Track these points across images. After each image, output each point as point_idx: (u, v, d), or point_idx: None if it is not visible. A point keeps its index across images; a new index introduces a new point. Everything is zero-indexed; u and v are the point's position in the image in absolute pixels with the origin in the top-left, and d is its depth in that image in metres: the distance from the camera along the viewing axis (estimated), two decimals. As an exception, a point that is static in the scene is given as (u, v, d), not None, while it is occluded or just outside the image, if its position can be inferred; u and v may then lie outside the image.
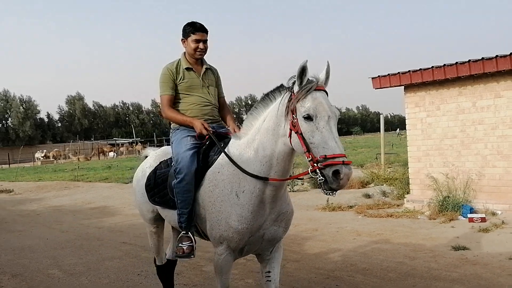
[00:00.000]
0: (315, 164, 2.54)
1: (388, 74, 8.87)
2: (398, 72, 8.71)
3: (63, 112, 76.68)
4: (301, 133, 2.62)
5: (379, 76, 8.94)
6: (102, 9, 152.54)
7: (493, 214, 7.59)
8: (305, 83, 2.68)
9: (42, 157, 47.33)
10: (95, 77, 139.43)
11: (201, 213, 3.23)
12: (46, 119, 74.42)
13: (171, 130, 3.65)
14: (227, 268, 3.19)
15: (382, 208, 9.08)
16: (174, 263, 4.41)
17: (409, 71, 8.52)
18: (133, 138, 61.24)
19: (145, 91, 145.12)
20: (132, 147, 53.91)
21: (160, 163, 3.71)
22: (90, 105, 78.66)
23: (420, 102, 8.73)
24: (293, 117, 2.67)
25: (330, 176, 2.48)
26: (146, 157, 4.20)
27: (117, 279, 5.39)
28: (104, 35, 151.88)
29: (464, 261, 5.34)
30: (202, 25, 3.54)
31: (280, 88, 2.91)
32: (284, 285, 4.69)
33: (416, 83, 8.55)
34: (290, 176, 3.03)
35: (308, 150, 2.58)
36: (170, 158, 3.59)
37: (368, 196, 10.51)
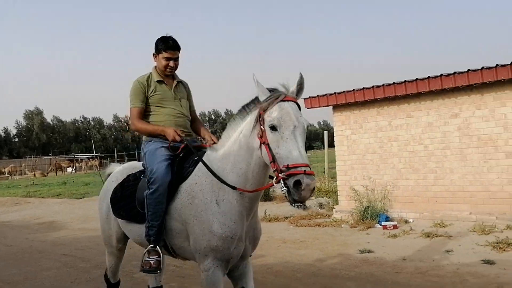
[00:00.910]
0: (280, 174, 2.49)
1: (318, 96, 9.70)
2: (326, 94, 9.56)
3: (20, 127, 74.82)
4: (268, 144, 2.60)
5: (310, 97, 9.76)
6: (66, 20, 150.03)
7: (406, 222, 8.45)
8: (272, 93, 2.70)
9: (-4, 173, 45.99)
10: (56, 91, 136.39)
11: (176, 228, 3.16)
12: (2, 134, 72.30)
13: (143, 142, 3.59)
14: (218, 284, 3.00)
15: (314, 219, 9.81)
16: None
17: (334, 92, 9.38)
18: (93, 153, 60.42)
19: (107, 105, 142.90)
20: (91, 162, 53.20)
21: (128, 176, 3.66)
22: (49, 119, 77.18)
23: (346, 120, 9.60)
24: (261, 128, 2.67)
25: (291, 186, 2.43)
26: (110, 174, 4.12)
27: (51, 286, 5.81)
28: (66, 48, 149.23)
29: (364, 262, 6.08)
30: (175, 43, 3.48)
31: (255, 100, 2.88)
32: None
33: (341, 103, 9.42)
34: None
35: (274, 160, 2.55)
36: (139, 171, 3.59)
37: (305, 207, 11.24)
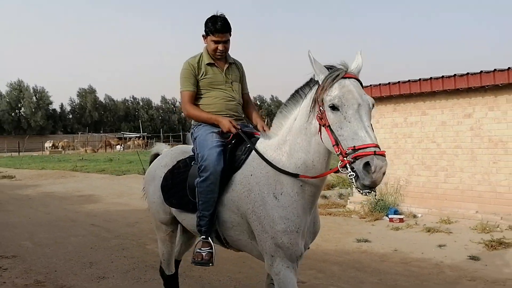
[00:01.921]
0: (345, 158, 2.28)
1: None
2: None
3: (74, 104, 78.81)
4: (329, 125, 2.39)
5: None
6: (119, 4, 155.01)
7: (414, 216, 8.68)
8: (331, 71, 2.48)
9: (50, 147, 49.08)
10: (109, 71, 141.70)
11: (231, 220, 2.97)
12: (58, 110, 76.51)
13: (192, 126, 3.45)
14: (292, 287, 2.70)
15: (329, 208, 10.20)
16: (177, 263, 4.15)
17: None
18: (141, 132, 62.88)
19: (156, 87, 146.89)
20: (138, 141, 55.46)
21: (178, 162, 3.46)
22: (102, 98, 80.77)
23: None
24: (320, 109, 2.45)
25: (361, 170, 2.20)
26: (156, 154, 4.00)
27: (74, 251, 6.60)
28: (119, 31, 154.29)
29: (356, 250, 6.47)
30: (224, 24, 3.24)
31: (310, 83, 2.68)
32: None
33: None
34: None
35: (337, 143, 2.33)
36: (190, 157, 3.40)
37: (325, 197, 11.62)
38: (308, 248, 3.07)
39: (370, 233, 7.55)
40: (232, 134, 3.14)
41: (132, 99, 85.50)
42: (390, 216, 8.51)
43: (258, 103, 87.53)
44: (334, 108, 2.37)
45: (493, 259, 5.81)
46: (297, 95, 2.77)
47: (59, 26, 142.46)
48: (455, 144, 8.31)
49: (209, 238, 3.05)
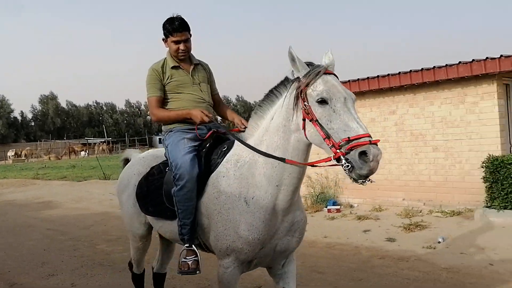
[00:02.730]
0: (338, 150, 2.28)
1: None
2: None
3: (36, 111, 77.17)
4: (317, 120, 2.39)
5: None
6: (83, 5, 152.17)
7: (351, 206, 9.48)
8: (313, 67, 2.51)
9: (13, 156, 48.11)
10: (69, 76, 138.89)
11: (204, 223, 2.94)
12: (19, 118, 74.76)
13: (163, 133, 3.38)
14: (234, 282, 2.86)
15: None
16: (163, 276, 4.18)
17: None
18: (105, 137, 62.27)
19: (120, 91, 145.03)
20: (102, 147, 55.06)
21: (152, 168, 3.39)
22: (64, 104, 79.40)
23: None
24: (305, 105, 2.44)
25: (357, 160, 2.20)
26: (127, 160, 3.96)
27: (28, 253, 7.01)
28: (79, 32, 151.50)
29: (290, 238, 7.15)
30: (181, 23, 3.20)
31: (285, 82, 2.69)
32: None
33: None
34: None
35: (328, 136, 2.33)
36: (163, 163, 3.32)
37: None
38: (294, 250, 2.98)
39: (307, 223, 8.25)
40: (208, 134, 3.12)
41: (95, 104, 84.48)
42: (328, 207, 9.27)
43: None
44: (322, 102, 2.38)
45: (407, 240, 6.60)
46: (272, 94, 2.74)
47: (16, 32, 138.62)
48: (383, 138, 9.13)
49: (193, 245, 2.99)
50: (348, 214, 8.81)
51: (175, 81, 3.30)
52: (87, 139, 62.72)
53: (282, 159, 2.62)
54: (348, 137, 2.25)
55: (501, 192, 6.71)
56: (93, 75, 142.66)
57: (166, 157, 3.26)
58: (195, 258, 2.98)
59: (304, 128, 2.49)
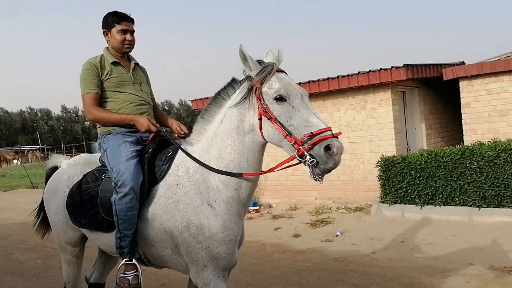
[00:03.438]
0: (301, 147, 2.25)
1: (202, 98, 11.09)
2: (208, 97, 10.96)
3: (-36, 118, 72.66)
4: (276, 118, 2.34)
5: (195, 99, 11.14)
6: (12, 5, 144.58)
7: (270, 206, 10.03)
8: (264, 65, 2.45)
9: None
10: (1, 83, 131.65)
11: (153, 237, 2.70)
12: None
13: (100, 135, 3.08)
14: None
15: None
16: (103, 286, 3.71)
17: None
18: (39, 145, 59.73)
19: (55, 96, 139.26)
20: (37, 154, 52.80)
21: (85, 176, 3.09)
22: (-6, 111, 75.28)
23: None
24: (261, 103, 2.39)
25: (322, 154, 2.20)
26: (54, 168, 3.53)
27: None
28: (10, 35, 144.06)
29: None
30: (129, 15, 3.08)
31: (232, 83, 2.63)
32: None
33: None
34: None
35: (289, 133, 2.30)
36: (98, 170, 3.07)
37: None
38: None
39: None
40: (150, 137, 2.89)
41: (29, 110, 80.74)
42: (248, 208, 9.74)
43: (167, 108, 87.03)
44: (280, 99, 2.35)
45: (311, 235, 7.19)
46: (220, 97, 2.66)
47: None
48: (298, 142, 9.76)
49: (133, 259, 2.76)
50: (266, 214, 9.34)
51: (115, 77, 3.04)
52: (20, 147, 59.83)
53: (239, 175, 2.54)
54: (311, 132, 2.25)
55: (392, 189, 7.46)
56: (26, 80, 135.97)
57: (102, 162, 3.06)
58: (136, 273, 2.75)
59: (260, 127, 2.43)
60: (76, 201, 3.03)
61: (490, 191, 6.41)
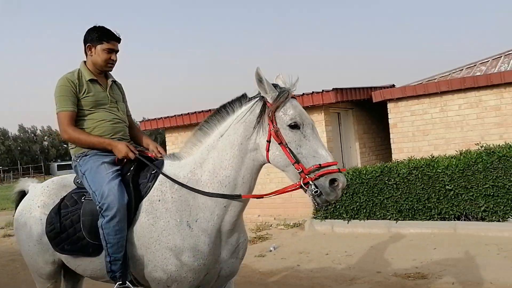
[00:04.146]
0: (307, 176, 2.31)
1: (154, 119, 11.42)
2: (161, 117, 11.30)
3: None
4: (286, 144, 2.37)
5: (144, 119, 11.46)
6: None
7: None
8: (281, 90, 2.46)
9: None
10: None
11: (136, 255, 2.64)
12: None
13: (74, 157, 2.97)
14: None
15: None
16: None
17: (167, 117, 11.16)
18: (-5, 166, 57.84)
19: (11, 115, 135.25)
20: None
21: (62, 200, 2.95)
22: None
23: (175, 140, 11.41)
24: (273, 126, 2.40)
25: (327, 186, 2.28)
26: (23, 192, 3.38)
27: None
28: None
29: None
30: (118, 34, 3.01)
31: (241, 99, 2.61)
32: None
33: (171, 126, 11.21)
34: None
35: (297, 161, 2.34)
36: (76, 193, 2.94)
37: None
38: (237, 272, 2.90)
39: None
40: (125, 161, 2.82)
41: (-16, 130, 77.99)
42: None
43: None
44: (294, 127, 2.38)
45: (248, 251, 7.54)
46: (224, 111, 2.63)
47: None
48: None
49: (127, 282, 2.66)
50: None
51: (92, 96, 2.96)
52: (-27, 169, 57.72)
53: (238, 196, 2.54)
54: (319, 164, 2.30)
55: (322, 205, 7.98)
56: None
57: (78, 184, 2.99)
58: None
59: (268, 149, 2.44)
60: (56, 227, 2.86)
61: (405, 205, 7.02)
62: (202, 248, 2.52)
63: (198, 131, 2.71)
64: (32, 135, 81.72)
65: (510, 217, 6.35)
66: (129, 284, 2.68)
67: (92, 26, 3.02)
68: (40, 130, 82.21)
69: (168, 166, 2.73)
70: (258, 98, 2.54)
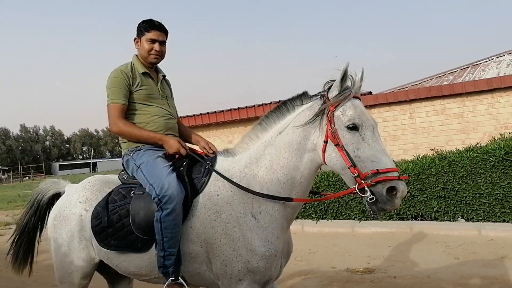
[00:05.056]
0: (363, 181, 2.20)
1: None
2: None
3: None
4: (343, 146, 2.28)
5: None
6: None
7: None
8: (343, 88, 2.35)
9: None
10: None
11: (189, 252, 2.60)
12: None
13: (127, 151, 2.92)
14: None
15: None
16: None
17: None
18: (-4, 166, 58.56)
19: (13, 115, 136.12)
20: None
21: (109, 195, 2.88)
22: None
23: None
24: (331, 127, 2.33)
25: (384, 194, 2.16)
26: (57, 195, 3.25)
27: None
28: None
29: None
30: (162, 24, 2.97)
31: (302, 96, 2.55)
32: None
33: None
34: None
35: (354, 164, 2.23)
36: (124, 188, 2.89)
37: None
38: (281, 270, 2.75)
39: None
40: (177, 157, 2.78)
41: (-15, 130, 78.78)
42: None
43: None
44: (352, 128, 2.29)
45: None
46: (284, 107, 2.58)
47: None
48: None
49: (179, 278, 2.61)
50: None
51: (145, 89, 2.92)
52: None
53: (289, 199, 2.50)
54: (377, 170, 2.18)
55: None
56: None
57: (124, 180, 2.94)
58: None
59: (324, 151, 2.37)
60: (103, 221, 2.79)
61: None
62: (270, 238, 2.48)
63: (257, 125, 2.68)
64: (34, 134, 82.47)
65: (460, 217, 6.87)
66: (182, 280, 2.62)
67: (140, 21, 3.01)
68: (42, 129, 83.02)
69: (222, 162, 2.71)
70: (319, 96, 2.48)
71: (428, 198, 7.03)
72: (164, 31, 2.98)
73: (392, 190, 2.17)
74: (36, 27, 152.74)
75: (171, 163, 2.73)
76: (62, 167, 67.96)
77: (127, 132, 2.85)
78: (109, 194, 2.89)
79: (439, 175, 6.86)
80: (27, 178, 53.27)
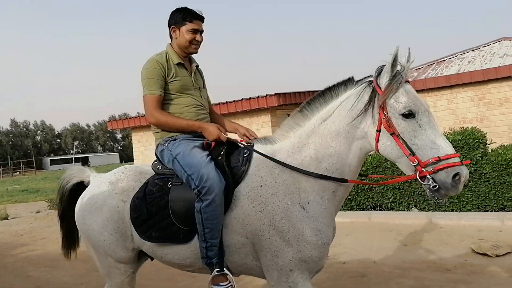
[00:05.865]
0: (424, 169, 2.15)
1: (120, 118, 12.28)
2: (126, 117, 12.15)
3: None
4: (399, 134, 2.21)
5: (110, 120, 12.32)
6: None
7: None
8: (393, 74, 2.25)
9: None
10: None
11: (234, 243, 2.55)
12: None
13: (161, 141, 2.86)
14: None
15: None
16: None
17: (132, 117, 12.01)
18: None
19: (4, 110, 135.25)
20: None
21: (146, 185, 2.79)
22: None
23: (141, 139, 12.28)
24: (384, 115, 2.24)
25: (448, 182, 2.12)
26: (80, 184, 3.16)
27: None
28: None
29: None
30: (200, 13, 2.92)
31: (348, 82, 2.46)
32: None
33: (137, 126, 12.07)
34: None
35: (412, 153, 2.18)
36: (160, 178, 2.79)
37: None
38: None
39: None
40: (213, 145, 2.72)
41: (-25, 125, 78.39)
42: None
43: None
44: (408, 115, 2.21)
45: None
46: (328, 93, 2.50)
47: None
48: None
49: (224, 269, 2.58)
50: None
51: (179, 80, 2.87)
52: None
53: (344, 180, 2.44)
54: (438, 157, 2.14)
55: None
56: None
57: (158, 170, 2.85)
58: (230, 284, 2.58)
59: (377, 140, 2.30)
60: (142, 213, 2.72)
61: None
62: (322, 227, 2.43)
63: (298, 113, 2.59)
64: (25, 129, 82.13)
65: (413, 207, 7.30)
66: (227, 271, 2.59)
67: (175, 8, 2.95)
68: (33, 124, 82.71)
69: (260, 150, 2.63)
70: (366, 82, 2.40)
71: (384, 190, 7.44)
72: (203, 20, 2.95)
73: (455, 176, 2.13)
74: (27, 21, 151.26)
75: (207, 152, 2.67)
76: (53, 162, 67.92)
77: (165, 122, 2.80)
78: (146, 185, 2.80)
79: (395, 168, 7.24)
80: (17, 173, 53.30)
